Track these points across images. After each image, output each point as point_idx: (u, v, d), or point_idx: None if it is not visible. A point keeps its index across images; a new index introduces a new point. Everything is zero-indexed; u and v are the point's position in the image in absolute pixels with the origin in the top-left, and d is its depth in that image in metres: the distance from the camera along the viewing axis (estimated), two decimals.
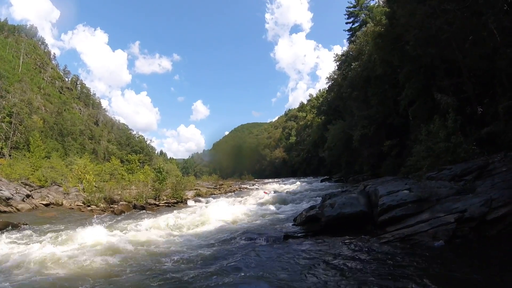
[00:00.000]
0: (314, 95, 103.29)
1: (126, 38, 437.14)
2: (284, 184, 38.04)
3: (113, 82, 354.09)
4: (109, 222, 13.43)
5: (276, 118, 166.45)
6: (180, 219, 13.76)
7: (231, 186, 41.62)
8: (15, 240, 9.53)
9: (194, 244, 8.90)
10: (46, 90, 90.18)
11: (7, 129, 45.11)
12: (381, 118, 26.87)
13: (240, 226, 11.74)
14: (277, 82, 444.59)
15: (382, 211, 8.15)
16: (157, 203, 21.21)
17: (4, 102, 46.45)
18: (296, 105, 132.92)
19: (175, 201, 22.26)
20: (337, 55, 45.45)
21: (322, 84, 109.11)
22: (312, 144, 70.13)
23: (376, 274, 5.25)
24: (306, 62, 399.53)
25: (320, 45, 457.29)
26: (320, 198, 14.98)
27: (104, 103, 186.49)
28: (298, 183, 37.11)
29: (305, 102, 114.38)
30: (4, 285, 5.50)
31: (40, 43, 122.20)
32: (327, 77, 51.98)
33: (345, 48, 51.15)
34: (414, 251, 6.21)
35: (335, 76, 47.23)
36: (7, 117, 45.53)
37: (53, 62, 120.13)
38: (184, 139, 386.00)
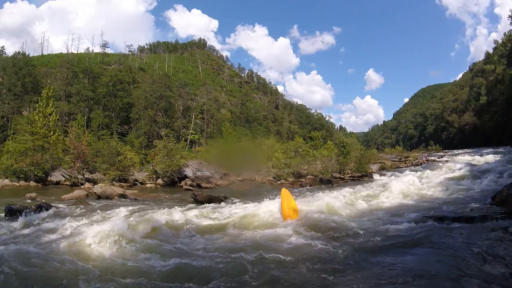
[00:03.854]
0: (500, 41, 79.89)
1: (284, 25, 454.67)
2: (478, 155, 33.65)
3: (283, 68, 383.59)
4: (300, 193, 14.45)
5: (460, 75, 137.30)
6: (361, 192, 13.92)
7: (417, 159, 40.20)
8: (215, 210, 10.74)
9: (375, 218, 8.82)
10: (227, 87, 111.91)
11: (201, 124, 59.65)
12: None
13: (427, 203, 10.89)
14: (451, 33, 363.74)
15: None
16: (342, 176, 22.40)
17: (194, 103, 62.33)
18: (481, 57, 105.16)
19: (360, 174, 22.84)
20: None
21: (506, 25, 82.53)
22: (506, 103, 59.11)
23: None
24: (479, 0, 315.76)
25: None
26: None
27: (280, 89, 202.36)
28: (493, 154, 32.54)
29: (491, 51, 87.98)
30: (215, 246, 6.32)
31: (211, 51, 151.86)
32: (509, 15, 42.29)
33: None
34: None
35: None
36: (199, 114, 59.83)
37: (228, 63, 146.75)
38: (361, 112, 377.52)
